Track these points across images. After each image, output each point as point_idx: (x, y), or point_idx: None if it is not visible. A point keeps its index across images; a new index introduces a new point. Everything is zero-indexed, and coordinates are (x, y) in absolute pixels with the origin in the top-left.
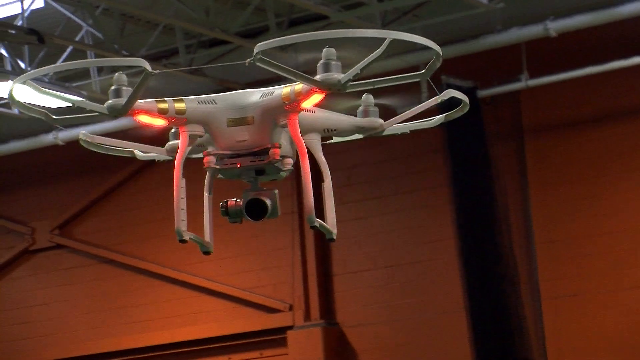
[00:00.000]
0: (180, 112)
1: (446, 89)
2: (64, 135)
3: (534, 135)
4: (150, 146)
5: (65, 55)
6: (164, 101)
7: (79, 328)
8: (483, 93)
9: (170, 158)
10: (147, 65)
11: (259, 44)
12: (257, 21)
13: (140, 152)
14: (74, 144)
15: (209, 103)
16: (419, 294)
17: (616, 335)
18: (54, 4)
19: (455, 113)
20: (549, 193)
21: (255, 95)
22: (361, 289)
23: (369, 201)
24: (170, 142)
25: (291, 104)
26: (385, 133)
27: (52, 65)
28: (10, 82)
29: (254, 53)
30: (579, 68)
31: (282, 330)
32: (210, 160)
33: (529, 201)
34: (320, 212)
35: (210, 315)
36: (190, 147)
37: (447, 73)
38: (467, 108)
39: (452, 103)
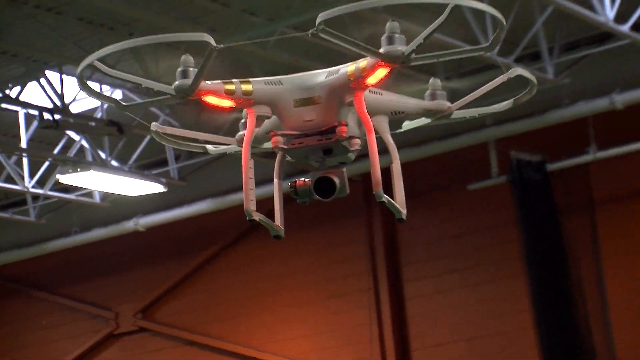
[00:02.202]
0: (247, 93)
1: (516, 165)
2: (144, 222)
3: (605, 206)
4: (219, 136)
5: (143, 144)
6: (231, 82)
7: None
8: (552, 167)
9: (240, 149)
10: (212, 40)
11: (322, 13)
12: None
13: (212, 147)
14: (153, 230)
15: (275, 84)
16: None
17: None
18: (132, 95)
19: (525, 96)
20: (622, 263)
21: (321, 75)
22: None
23: (447, 275)
24: (240, 132)
25: (357, 81)
26: (453, 117)
27: (118, 44)
28: (92, 172)
29: (317, 23)
30: None
31: None
32: (278, 141)
33: (602, 272)
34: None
35: None
36: (257, 129)
37: (516, 149)
38: (535, 89)
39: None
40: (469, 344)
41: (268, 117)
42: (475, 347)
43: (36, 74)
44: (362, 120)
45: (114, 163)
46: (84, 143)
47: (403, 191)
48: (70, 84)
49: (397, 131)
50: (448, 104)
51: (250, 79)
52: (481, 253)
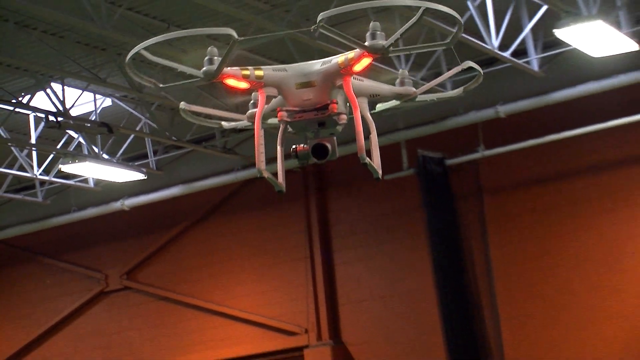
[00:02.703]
0: (259, 78)
1: (422, 161)
2: (128, 203)
3: (490, 194)
4: (233, 114)
5: (128, 141)
6: (247, 69)
7: (144, 350)
8: (450, 162)
9: (251, 124)
10: (234, 33)
11: (322, 13)
12: None
13: (225, 123)
14: (136, 209)
15: (281, 71)
16: (405, 318)
17: (556, 346)
18: (119, 102)
19: (473, 84)
20: (505, 238)
21: (317, 64)
22: (361, 315)
23: (367, 246)
24: (250, 110)
25: (345, 68)
26: (417, 100)
27: (158, 37)
28: (87, 162)
29: (317, 21)
30: (524, 141)
31: (300, 349)
32: (283, 115)
33: (488, 246)
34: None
35: (245, 339)
36: (267, 105)
37: (422, 147)
38: (482, 79)
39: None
40: (383, 301)
41: (275, 97)
42: (389, 303)
43: (43, 85)
44: (349, 99)
45: (105, 156)
46: (81, 140)
47: (379, 156)
48: (70, 93)
49: (372, 112)
50: (413, 89)
51: (262, 67)
52: (394, 229)
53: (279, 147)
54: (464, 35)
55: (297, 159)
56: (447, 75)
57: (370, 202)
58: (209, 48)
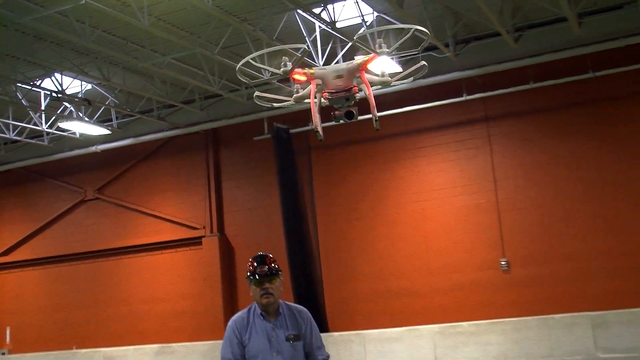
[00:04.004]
0: (312, 74)
1: (275, 130)
2: (100, 147)
3: (316, 151)
4: (287, 97)
5: (100, 111)
6: (304, 69)
7: (108, 235)
8: (292, 131)
9: (294, 102)
10: (306, 46)
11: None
12: None
13: (279, 104)
14: (105, 151)
15: (323, 69)
16: (263, 222)
17: (355, 239)
18: (96, 87)
19: (420, 74)
20: (324, 177)
21: (344, 65)
22: (237, 219)
23: (244, 179)
24: (295, 95)
25: (362, 65)
26: (392, 84)
27: (255, 53)
28: (75, 122)
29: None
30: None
31: (199, 238)
32: (326, 95)
33: (313, 181)
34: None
35: (168, 230)
36: (316, 91)
37: (276, 121)
38: (427, 70)
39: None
40: (250, 210)
41: (320, 84)
42: (254, 212)
43: (49, 74)
44: (365, 84)
45: (86, 118)
46: (72, 109)
47: (377, 114)
48: (67, 80)
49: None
50: (390, 79)
51: (312, 68)
52: (257, 169)
53: (318, 115)
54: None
55: (334, 119)
56: (408, 71)
57: (245, 153)
58: (284, 57)
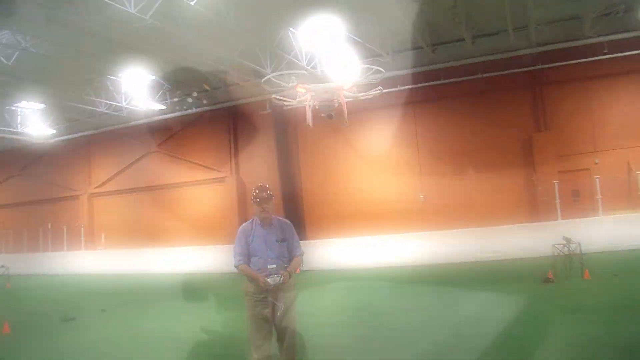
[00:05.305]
0: (308, 88)
1: (274, 106)
2: (160, 117)
3: (300, 125)
4: (294, 101)
5: (159, 94)
6: (304, 84)
7: (164, 171)
8: (286, 107)
9: (298, 105)
10: (305, 72)
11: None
12: None
13: (285, 103)
14: (163, 120)
15: (317, 86)
16: (267, 169)
17: (330, 184)
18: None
19: (378, 94)
20: (307, 142)
21: (331, 85)
22: (252, 167)
23: (255, 144)
24: (297, 99)
25: (341, 86)
26: (361, 98)
27: (283, 71)
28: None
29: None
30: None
31: (224, 177)
32: (316, 103)
33: (298, 145)
34: None
35: (198, 171)
36: (310, 99)
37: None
38: (382, 91)
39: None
40: (259, 161)
41: (314, 95)
42: (262, 166)
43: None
44: (341, 98)
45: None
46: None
47: (346, 115)
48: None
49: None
50: (361, 95)
51: (310, 84)
52: (264, 136)
53: (310, 114)
54: None
55: (324, 115)
56: (371, 92)
57: (254, 123)
58: (292, 76)
